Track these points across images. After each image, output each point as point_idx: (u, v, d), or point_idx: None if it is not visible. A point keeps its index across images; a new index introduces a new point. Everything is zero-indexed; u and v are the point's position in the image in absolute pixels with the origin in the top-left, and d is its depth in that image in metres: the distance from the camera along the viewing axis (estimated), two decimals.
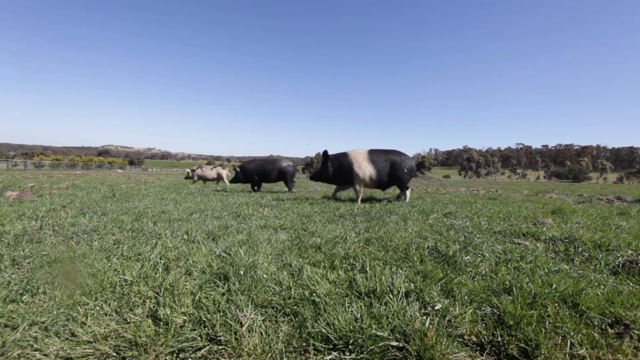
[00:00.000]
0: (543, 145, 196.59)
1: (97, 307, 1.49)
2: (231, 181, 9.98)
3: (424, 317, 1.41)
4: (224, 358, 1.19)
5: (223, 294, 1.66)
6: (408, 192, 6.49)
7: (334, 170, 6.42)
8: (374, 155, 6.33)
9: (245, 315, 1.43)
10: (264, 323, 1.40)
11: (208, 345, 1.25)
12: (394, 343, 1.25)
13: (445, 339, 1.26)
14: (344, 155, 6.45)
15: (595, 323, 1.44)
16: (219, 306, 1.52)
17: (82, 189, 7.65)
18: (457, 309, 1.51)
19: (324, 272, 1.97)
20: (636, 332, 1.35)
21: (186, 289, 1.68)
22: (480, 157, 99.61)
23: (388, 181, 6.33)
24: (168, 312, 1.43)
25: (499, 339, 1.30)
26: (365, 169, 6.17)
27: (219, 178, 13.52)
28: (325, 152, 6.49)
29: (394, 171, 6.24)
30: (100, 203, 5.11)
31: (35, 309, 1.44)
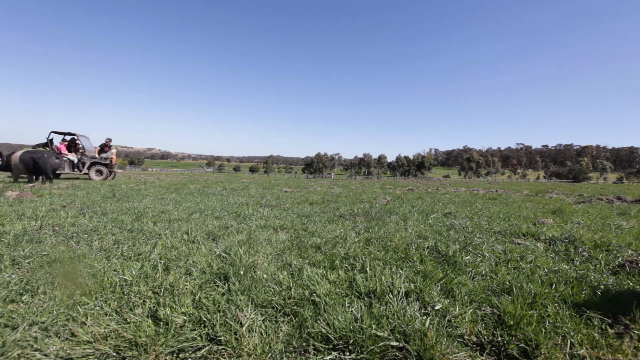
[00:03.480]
0: (543, 145, 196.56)
1: (97, 307, 1.49)
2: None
3: (424, 317, 1.41)
4: (224, 358, 1.19)
5: (223, 294, 1.66)
6: (46, 179, 9.73)
7: (7, 163, 10.20)
8: (25, 153, 9.53)
9: (245, 315, 1.43)
10: (264, 323, 1.40)
11: (208, 345, 1.25)
12: (394, 343, 1.25)
13: (445, 339, 1.26)
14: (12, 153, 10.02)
15: (595, 323, 1.44)
16: (219, 306, 1.52)
17: (82, 189, 7.65)
18: (457, 309, 1.51)
19: (324, 272, 1.97)
20: (636, 332, 1.35)
21: (186, 289, 1.68)
22: (480, 157, 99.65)
23: (32, 170, 9.53)
24: (168, 312, 1.43)
25: (499, 339, 1.30)
26: (17, 161, 9.35)
27: None
28: (9, 154, 10.02)
29: (33, 163, 9.42)
30: (100, 203, 5.11)
31: (35, 309, 1.44)
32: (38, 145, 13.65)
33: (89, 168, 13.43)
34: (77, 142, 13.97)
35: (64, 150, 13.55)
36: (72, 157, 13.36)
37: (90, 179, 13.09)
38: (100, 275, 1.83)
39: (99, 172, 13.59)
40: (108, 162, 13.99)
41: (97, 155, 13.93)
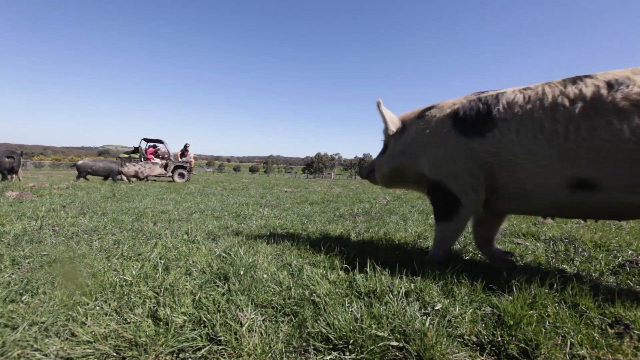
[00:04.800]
0: None
1: (97, 307, 1.49)
2: None
3: (424, 317, 1.41)
4: (224, 358, 1.19)
5: (223, 294, 1.66)
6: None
7: None
8: None
9: (245, 315, 1.43)
10: (264, 323, 1.40)
11: (208, 345, 1.25)
12: (394, 343, 1.25)
13: (445, 339, 1.26)
14: None
15: (595, 323, 1.44)
16: (219, 306, 1.52)
17: (82, 189, 7.66)
18: (457, 309, 1.51)
19: (324, 272, 1.97)
20: (636, 332, 1.35)
21: (186, 289, 1.68)
22: None
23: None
24: (168, 312, 1.43)
25: (499, 339, 1.30)
26: None
27: None
28: None
29: None
30: (100, 203, 5.11)
31: (35, 309, 1.44)
32: (129, 151, 15.18)
33: (173, 171, 14.80)
34: (160, 148, 15.71)
35: (151, 156, 14.97)
36: (158, 161, 14.81)
37: (173, 180, 14.50)
38: (100, 275, 1.83)
39: (181, 175, 14.97)
40: (188, 165, 15.43)
41: (179, 160, 15.43)
